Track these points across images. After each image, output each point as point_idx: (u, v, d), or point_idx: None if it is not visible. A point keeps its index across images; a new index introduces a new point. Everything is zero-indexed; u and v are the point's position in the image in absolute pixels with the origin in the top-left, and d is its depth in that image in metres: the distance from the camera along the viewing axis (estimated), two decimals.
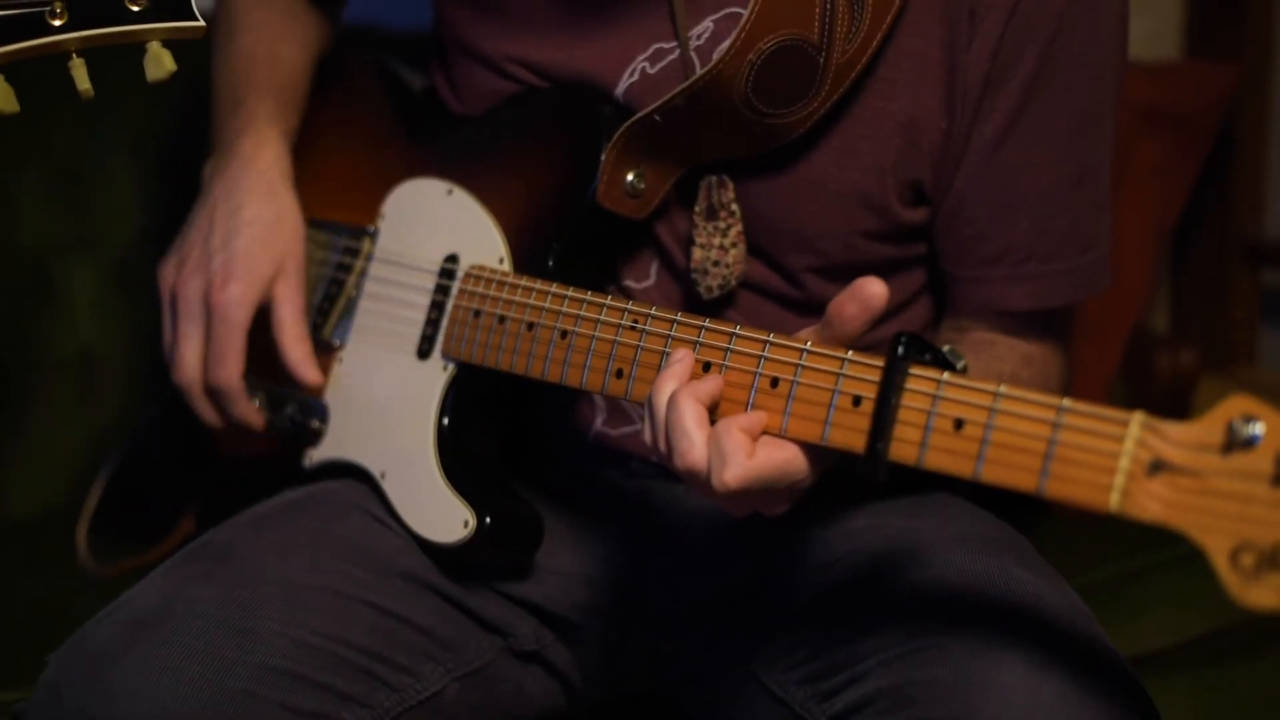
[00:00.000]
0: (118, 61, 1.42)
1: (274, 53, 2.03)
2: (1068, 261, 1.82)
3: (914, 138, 1.77)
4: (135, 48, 1.37)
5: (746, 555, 1.84)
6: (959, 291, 1.85)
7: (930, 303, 1.92)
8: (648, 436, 1.52)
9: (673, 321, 1.58)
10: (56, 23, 1.32)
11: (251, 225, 1.88)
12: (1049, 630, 1.59)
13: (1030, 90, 1.74)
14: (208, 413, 1.91)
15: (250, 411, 1.90)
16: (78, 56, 1.35)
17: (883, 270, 1.82)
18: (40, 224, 2.40)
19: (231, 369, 1.86)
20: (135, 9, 1.34)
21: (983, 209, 1.79)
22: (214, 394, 1.88)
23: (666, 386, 1.50)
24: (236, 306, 1.85)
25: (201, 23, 1.37)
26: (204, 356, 1.88)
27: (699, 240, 1.80)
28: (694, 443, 1.45)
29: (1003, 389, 1.32)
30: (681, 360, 1.51)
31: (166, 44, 1.37)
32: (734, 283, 1.81)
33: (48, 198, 2.39)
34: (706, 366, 1.53)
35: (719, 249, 1.79)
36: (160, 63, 1.36)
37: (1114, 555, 2.34)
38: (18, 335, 2.39)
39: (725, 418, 1.46)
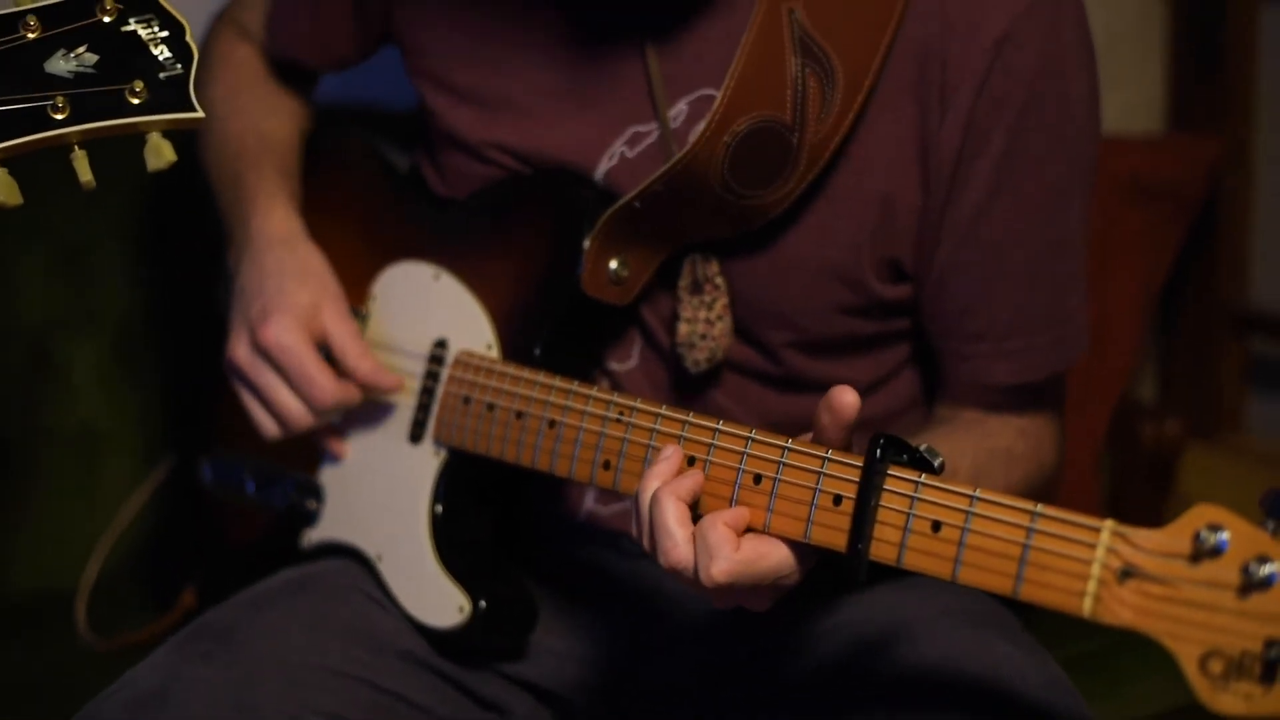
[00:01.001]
0: (114, 140, 1.42)
1: (261, 130, 2.05)
2: (1049, 334, 1.84)
3: (890, 215, 1.79)
4: (136, 138, 1.37)
5: (735, 633, 1.85)
6: (946, 368, 1.87)
7: (915, 376, 1.94)
8: (635, 532, 1.54)
9: (657, 415, 1.60)
10: (58, 116, 1.33)
11: (279, 272, 1.89)
12: (1031, 707, 1.61)
13: (1003, 166, 1.76)
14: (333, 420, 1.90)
15: (376, 392, 1.86)
16: (79, 148, 1.35)
17: (864, 345, 1.87)
18: (41, 301, 2.41)
19: (323, 385, 1.84)
20: (135, 101, 1.35)
21: (964, 285, 1.81)
22: (330, 414, 1.87)
23: (650, 484, 1.51)
24: (288, 333, 1.84)
25: (200, 113, 1.37)
26: (295, 396, 1.86)
27: (684, 315, 1.82)
28: (676, 541, 1.47)
29: (978, 493, 1.35)
30: (668, 459, 1.52)
31: (166, 134, 1.37)
32: (720, 356, 1.83)
33: (48, 275, 2.40)
34: (691, 460, 1.55)
35: (705, 323, 1.81)
36: (160, 153, 1.36)
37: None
38: (19, 410, 2.40)
39: (710, 513, 1.47)
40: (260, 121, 2.06)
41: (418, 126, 2.03)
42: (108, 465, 2.43)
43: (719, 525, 1.45)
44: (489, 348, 1.83)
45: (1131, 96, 3.04)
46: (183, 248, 2.42)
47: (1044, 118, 1.76)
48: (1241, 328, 3.05)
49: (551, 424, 1.70)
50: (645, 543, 1.51)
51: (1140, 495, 2.72)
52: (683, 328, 1.82)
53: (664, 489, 1.49)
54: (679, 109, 1.81)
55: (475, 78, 1.89)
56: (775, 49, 1.73)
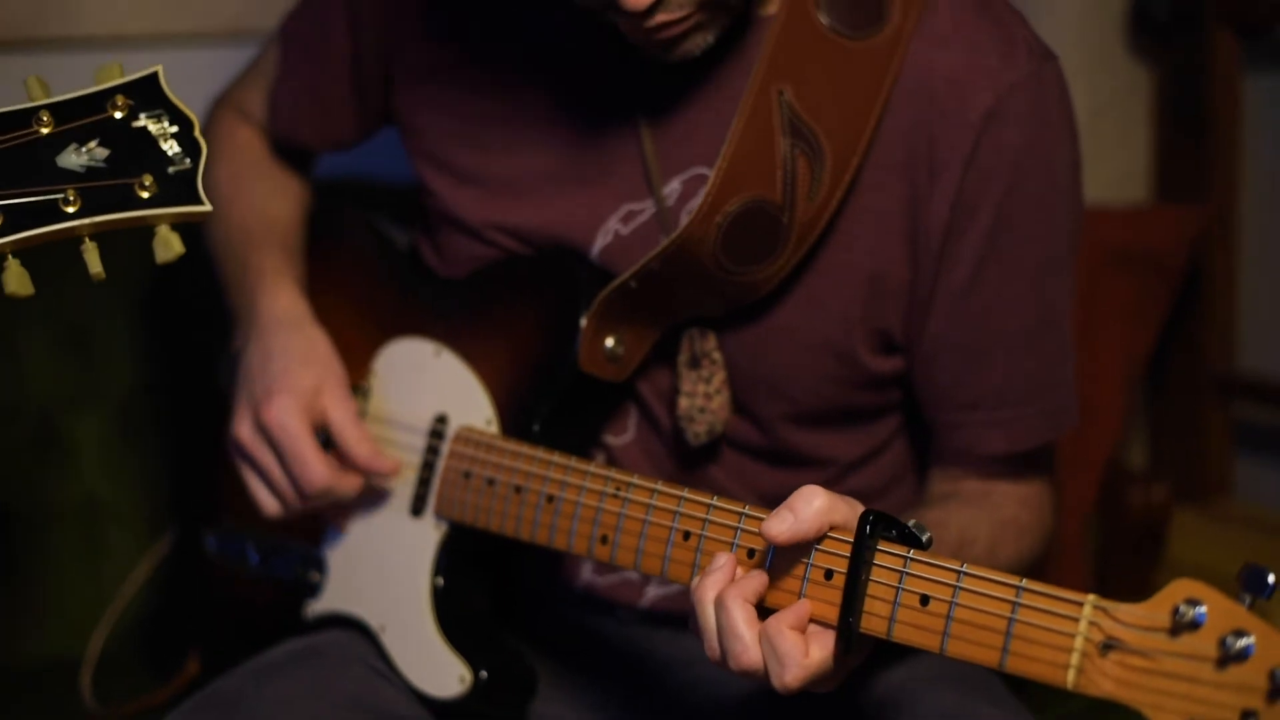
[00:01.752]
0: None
1: (266, 212, 2.09)
2: (1039, 403, 1.87)
3: (879, 288, 1.82)
4: (145, 230, 1.39)
5: (727, 698, 1.88)
6: (940, 438, 1.90)
7: (906, 448, 1.97)
8: (700, 638, 1.51)
9: (653, 490, 1.63)
10: (70, 209, 1.35)
11: (284, 353, 1.92)
12: None
13: (991, 240, 1.79)
14: (333, 507, 1.92)
15: (372, 476, 1.89)
16: (90, 240, 1.37)
17: (856, 418, 1.90)
18: (47, 377, 2.42)
19: (315, 469, 1.86)
20: (145, 195, 1.37)
21: (955, 356, 1.84)
22: (320, 498, 1.89)
23: (710, 591, 1.50)
24: (288, 414, 1.87)
25: (208, 206, 1.39)
26: (289, 476, 1.88)
27: (684, 389, 1.84)
28: (746, 644, 1.46)
29: (965, 568, 1.38)
30: (722, 567, 1.51)
31: (175, 227, 1.39)
32: (719, 429, 1.85)
33: (54, 352, 2.42)
34: (686, 535, 1.58)
35: (704, 396, 1.84)
36: (169, 245, 1.38)
37: None
38: (26, 484, 2.41)
39: (774, 617, 1.46)
40: (265, 203, 2.10)
41: (416, 203, 2.06)
42: (113, 537, 2.44)
43: (786, 632, 1.45)
44: (489, 423, 1.86)
45: (1118, 166, 3.07)
46: (186, 324, 2.44)
47: (1030, 193, 1.80)
48: (1228, 393, 3.06)
49: (550, 499, 1.74)
50: (710, 646, 1.50)
51: (1129, 560, 2.74)
52: (682, 402, 1.85)
53: (731, 592, 1.48)
54: (672, 187, 1.84)
55: (474, 159, 1.93)
56: (765, 130, 1.76)
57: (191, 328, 2.36)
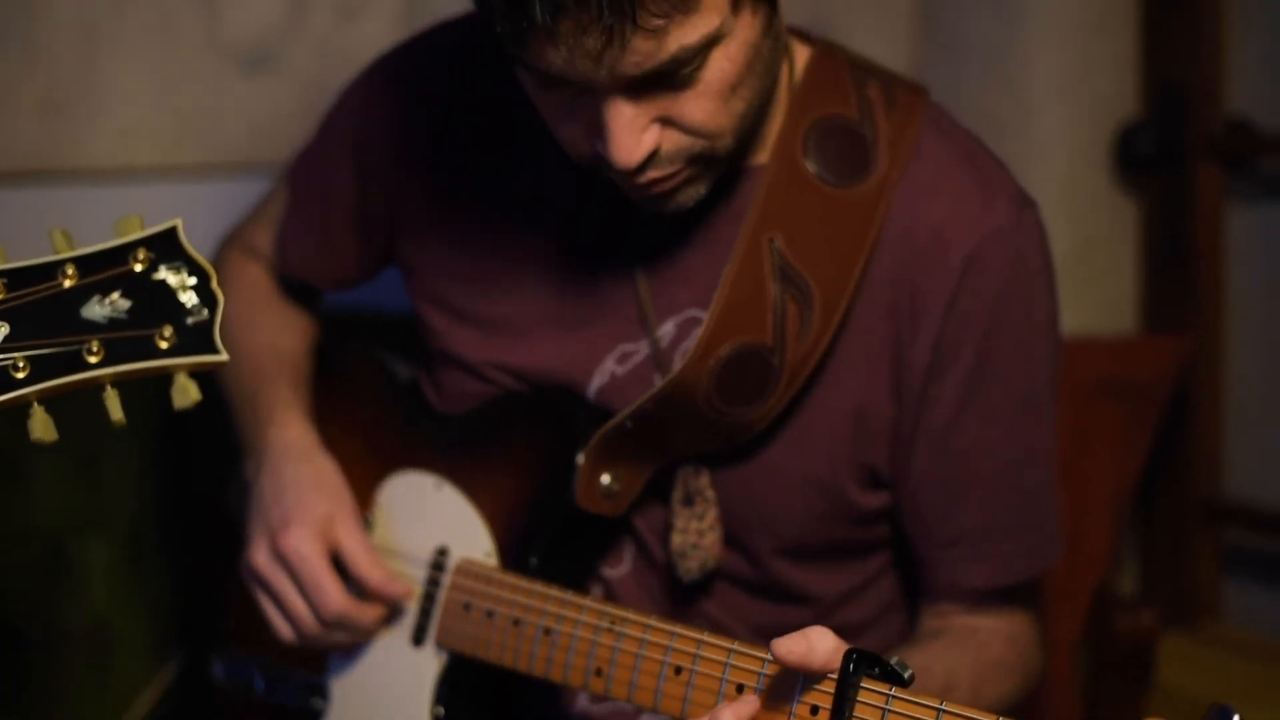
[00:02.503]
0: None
1: (276, 346, 2.14)
2: (1022, 539, 1.91)
3: (865, 426, 1.87)
4: (164, 378, 1.43)
5: None
6: (925, 572, 1.94)
7: (894, 582, 2.01)
8: None
9: (646, 625, 1.67)
10: (93, 359, 1.39)
11: (296, 483, 1.96)
12: None
13: (972, 380, 1.84)
14: (345, 640, 1.95)
15: (384, 601, 1.92)
16: (111, 388, 1.41)
17: (844, 553, 1.94)
18: (55, 501, 2.44)
19: (332, 594, 1.90)
20: (164, 345, 1.41)
21: (938, 493, 1.88)
22: (338, 623, 1.92)
23: None
24: (304, 542, 1.91)
25: (224, 355, 1.43)
26: (307, 603, 1.92)
27: (678, 525, 1.89)
28: None
29: (944, 705, 1.42)
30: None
31: (192, 374, 1.43)
32: (711, 565, 1.89)
33: (63, 478, 2.44)
34: (678, 670, 1.62)
35: (696, 533, 1.88)
36: (186, 392, 1.42)
37: None
38: (33, 608, 2.43)
39: None
40: (274, 338, 2.15)
41: (417, 338, 2.10)
42: (120, 661, 2.45)
43: None
44: (488, 556, 1.90)
45: (1105, 297, 3.11)
46: (193, 451, 2.47)
47: (1010, 334, 1.84)
48: (1216, 518, 3.08)
49: (547, 631, 1.78)
50: None
51: (1119, 685, 2.74)
52: (676, 538, 1.89)
53: (724, 710, 1.52)
54: (666, 328, 1.89)
55: (475, 300, 1.98)
56: (757, 276, 1.82)
57: (198, 455, 2.40)
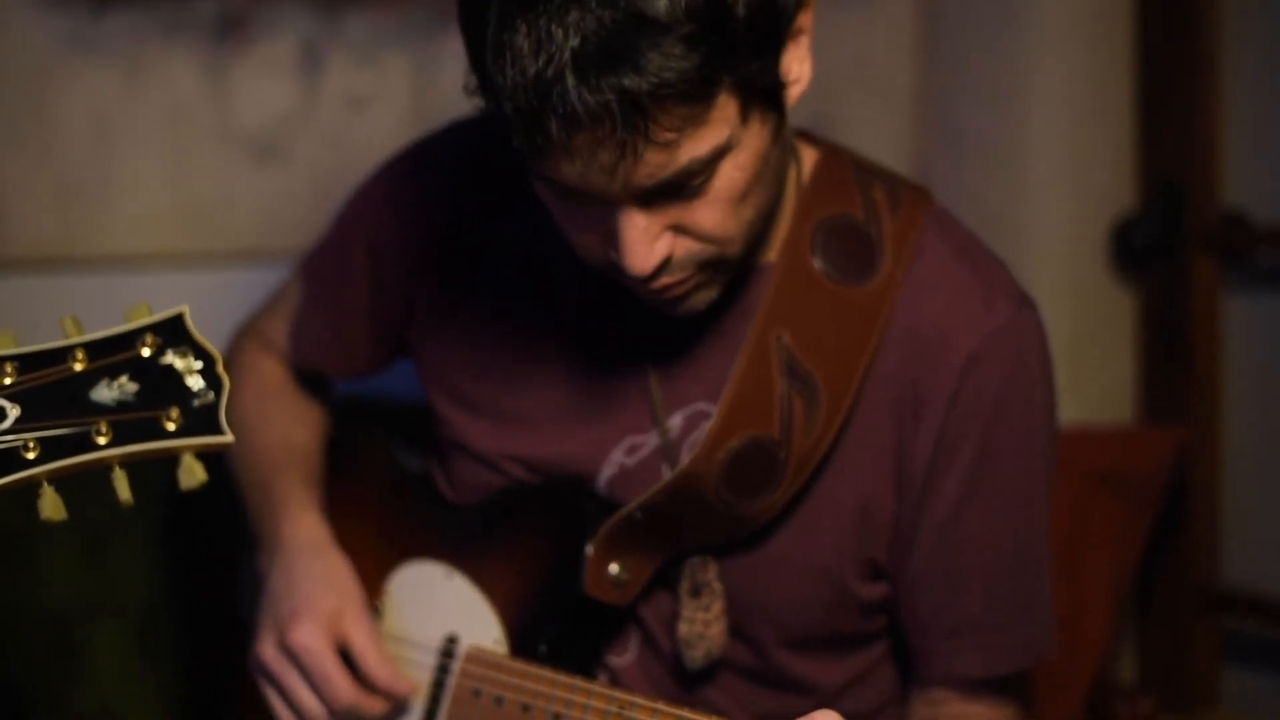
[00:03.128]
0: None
1: (288, 439, 2.16)
2: (1018, 630, 1.93)
3: (869, 519, 1.89)
4: (171, 459, 1.43)
5: None
6: (920, 661, 1.95)
7: (892, 673, 2.03)
8: None
9: (654, 711, 1.70)
10: (101, 440, 1.40)
11: (306, 578, 1.98)
12: None
13: (973, 474, 1.87)
14: None
15: (390, 697, 1.93)
16: (119, 468, 1.42)
17: (846, 644, 1.95)
18: (64, 586, 2.46)
19: (341, 688, 1.92)
20: (171, 427, 1.42)
21: (937, 585, 1.90)
22: (345, 716, 1.94)
23: None
24: (312, 637, 1.93)
25: (230, 437, 1.44)
26: (316, 696, 1.94)
27: (685, 615, 1.90)
28: None
29: None
30: None
31: (198, 456, 1.43)
32: (716, 654, 1.91)
33: (73, 563, 2.46)
34: None
35: (703, 623, 1.90)
36: (193, 473, 1.43)
37: None
38: (43, 693, 2.44)
39: None
40: (286, 431, 2.17)
41: (428, 426, 2.12)
42: None
43: None
44: (497, 643, 1.92)
45: (1103, 388, 3.13)
46: (202, 538, 2.49)
47: (1010, 430, 1.87)
48: (1214, 606, 3.09)
49: (556, 716, 1.80)
50: None
51: None
52: (683, 627, 1.91)
53: None
54: (675, 421, 1.91)
55: (488, 393, 2.00)
56: (765, 372, 1.85)
57: (209, 542, 2.42)
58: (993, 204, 3.07)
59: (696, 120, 1.60)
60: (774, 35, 1.65)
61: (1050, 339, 1.95)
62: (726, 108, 1.62)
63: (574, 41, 1.54)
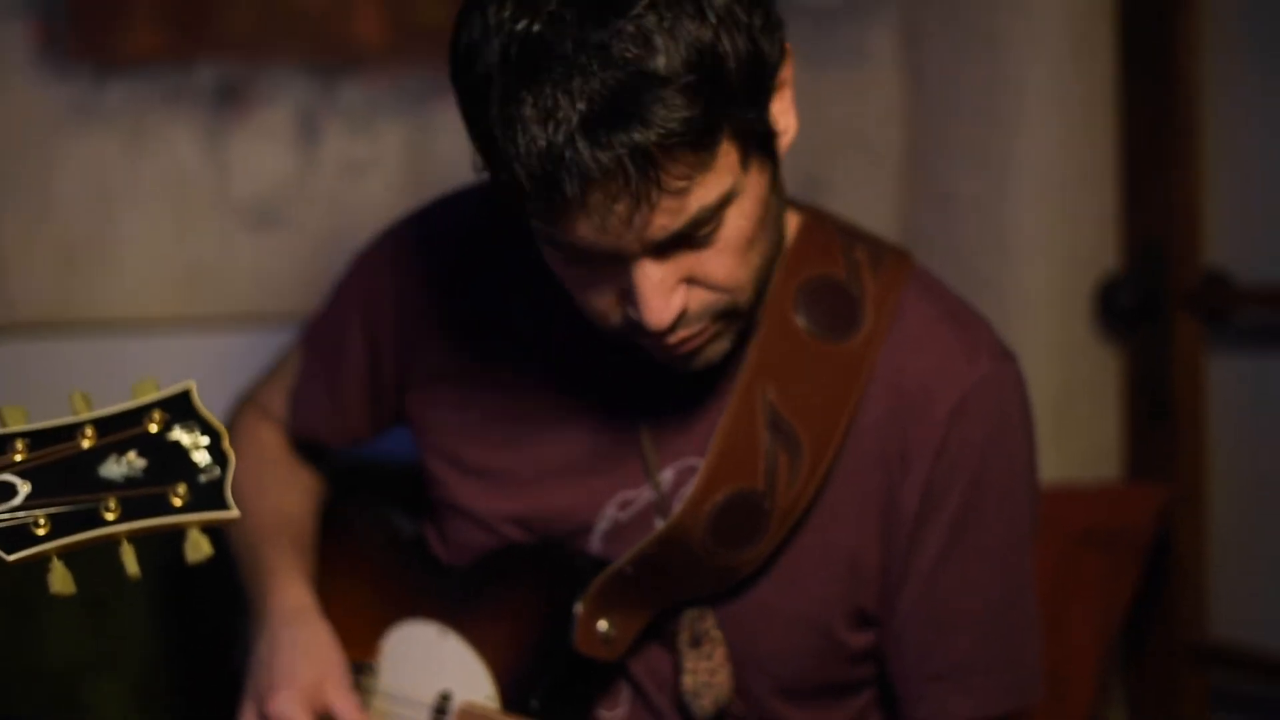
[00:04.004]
0: None
1: (281, 508, 2.19)
2: (1006, 674, 1.96)
3: (855, 569, 1.92)
4: (178, 533, 1.47)
5: None
6: (907, 708, 1.98)
7: (882, 717, 2.05)
8: None
9: None
10: (109, 516, 1.42)
11: (289, 647, 2.00)
12: None
13: (958, 524, 1.90)
14: None
15: None
16: (127, 543, 1.45)
17: (835, 692, 1.98)
18: (67, 645, 2.47)
19: None
20: (178, 503, 1.44)
21: (924, 631, 1.93)
22: None
23: None
24: (289, 706, 1.94)
25: (236, 512, 1.46)
26: None
27: (687, 667, 1.94)
28: None
29: None
30: None
31: (204, 530, 1.46)
32: (724, 701, 1.94)
33: (74, 620, 2.47)
34: None
35: (707, 672, 1.93)
36: (199, 547, 1.46)
37: None
38: None
39: None
40: (280, 499, 2.20)
41: (421, 492, 2.14)
42: None
43: None
44: (489, 699, 1.95)
45: (1088, 446, 3.14)
46: (201, 597, 2.50)
47: (994, 479, 1.91)
48: (1202, 661, 3.10)
49: None
50: None
51: None
52: (687, 680, 1.94)
53: None
54: (666, 475, 1.95)
55: (481, 453, 2.03)
56: (749, 427, 1.88)
57: (206, 602, 2.41)
58: (979, 265, 3.10)
59: (704, 166, 1.65)
60: (762, 84, 1.70)
61: (1036, 397, 1.99)
62: (729, 155, 1.67)
63: (581, 105, 1.58)
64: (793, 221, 1.98)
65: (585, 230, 1.66)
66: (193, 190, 2.77)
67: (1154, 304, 3.11)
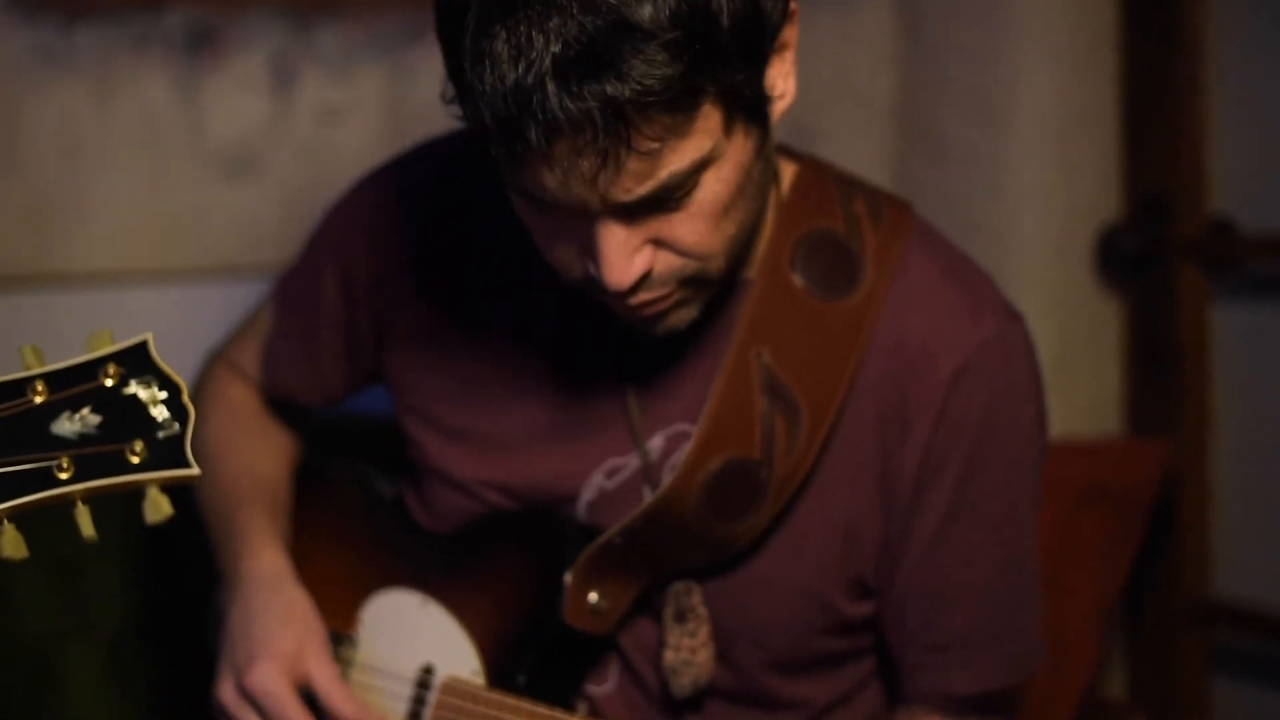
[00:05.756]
0: None
1: (253, 469, 2.12)
2: (1006, 646, 1.91)
3: (854, 538, 1.87)
4: (136, 492, 1.41)
5: None
6: (906, 678, 1.93)
7: (880, 689, 2.01)
8: None
9: None
10: (63, 476, 1.37)
11: (264, 615, 1.94)
12: None
13: (960, 490, 1.85)
14: None
15: None
16: (82, 504, 1.39)
17: (832, 663, 1.93)
18: (40, 612, 2.43)
19: None
20: (135, 460, 1.39)
21: (924, 601, 1.88)
22: None
23: None
24: (271, 679, 1.88)
25: (196, 470, 1.41)
26: None
27: (670, 642, 1.88)
28: None
29: None
30: None
31: (164, 489, 1.40)
32: (704, 681, 1.89)
33: (47, 588, 2.43)
34: None
35: (689, 650, 1.88)
36: (158, 507, 1.40)
37: None
38: (15, 717, 2.41)
39: None
40: (253, 460, 2.14)
41: (399, 450, 2.09)
42: None
43: None
44: (475, 674, 1.89)
45: (1089, 399, 3.11)
46: (175, 563, 2.46)
47: (998, 445, 1.85)
48: (1204, 620, 3.08)
49: None
50: None
51: None
52: (669, 655, 1.88)
53: None
54: (655, 442, 1.89)
55: (464, 417, 1.97)
56: (745, 391, 1.82)
57: (181, 564, 2.37)
58: (976, 213, 3.06)
59: (679, 130, 1.57)
60: (759, 47, 1.62)
61: (1037, 351, 1.93)
62: (710, 118, 1.59)
63: (555, 48, 1.51)
64: (788, 172, 1.91)
65: (548, 181, 1.59)
66: (165, 139, 2.71)
67: (1157, 254, 3.06)
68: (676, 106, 1.55)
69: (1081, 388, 3.10)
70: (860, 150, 3.11)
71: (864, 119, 3.19)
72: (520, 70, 1.51)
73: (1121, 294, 3.16)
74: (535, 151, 1.55)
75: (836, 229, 1.87)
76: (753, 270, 1.86)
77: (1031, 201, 3.06)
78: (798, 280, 1.85)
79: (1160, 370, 3.11)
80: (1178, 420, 3.07)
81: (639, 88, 1.52)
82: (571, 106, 1.51)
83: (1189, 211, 3.04)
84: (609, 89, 1.51)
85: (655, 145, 1.56)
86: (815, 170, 1.92)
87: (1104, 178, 3.11)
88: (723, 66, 1.57)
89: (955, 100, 3.13)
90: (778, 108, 1.70)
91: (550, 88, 1.51)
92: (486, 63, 1.53)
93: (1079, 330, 3.12)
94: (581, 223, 1.65)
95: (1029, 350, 1.90)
